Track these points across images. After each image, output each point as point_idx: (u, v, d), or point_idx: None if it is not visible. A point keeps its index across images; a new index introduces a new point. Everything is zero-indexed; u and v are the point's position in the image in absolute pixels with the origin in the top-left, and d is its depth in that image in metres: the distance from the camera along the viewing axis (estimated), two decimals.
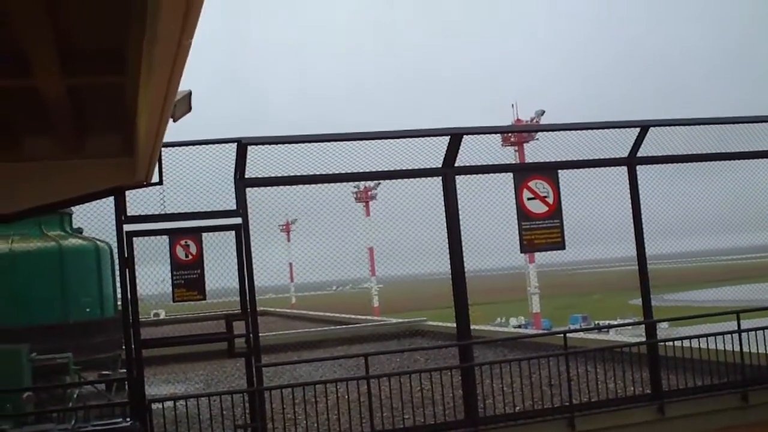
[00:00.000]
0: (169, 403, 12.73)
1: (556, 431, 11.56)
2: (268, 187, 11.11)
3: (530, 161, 13.33)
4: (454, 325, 11.86)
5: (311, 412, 11.22)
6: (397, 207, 12.01)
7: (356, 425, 10.88)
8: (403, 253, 12.46)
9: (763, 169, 13.42)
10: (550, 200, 12.10)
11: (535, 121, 72.83)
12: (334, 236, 12.27)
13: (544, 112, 74.82)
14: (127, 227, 10.46)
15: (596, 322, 66.55)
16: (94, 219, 11.38)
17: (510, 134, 51.19)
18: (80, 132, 8.91)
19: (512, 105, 76.96)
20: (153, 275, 10.77)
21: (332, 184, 11.62)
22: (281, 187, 11.21)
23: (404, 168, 11.60)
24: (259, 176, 10.97)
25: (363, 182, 15.75)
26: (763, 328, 12.72)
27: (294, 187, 11.29)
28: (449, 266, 11.71)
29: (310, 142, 11.25)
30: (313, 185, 11.43)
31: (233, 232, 10.79)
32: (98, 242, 16.69)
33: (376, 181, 13.61)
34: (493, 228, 12.34)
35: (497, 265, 14.98)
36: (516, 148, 50.07)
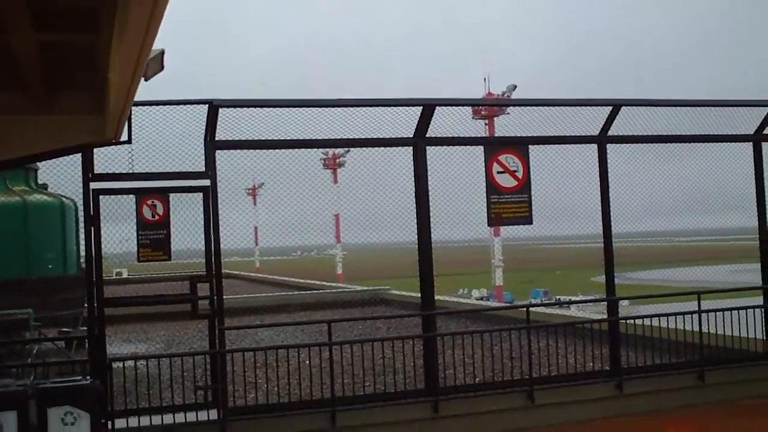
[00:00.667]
0: (130, 363, 12.70)
1: (515, 403, 11.69)
2: (236, 150, 11.05)
3: (500, 135, 13.32)
4: (418, 294, 11.90)
5: (272, 376, 11.24)
6: (365, 175, 11.99)
7: (317, 391, 10.93)
8: (368, 222, 12.44)
9: (730, 153, 13.56)
10: (520, 175, 12.14)
11: (506, 95, 72.94)
12: (301, 202, 12.25)
13: (516, 86, 74.93)
14: (93, 185, 10.37)
15: (557, 297, 67.17)
16: (60, 175, 11.27)
17: (481, 107, 51.37)
18: (50, 88, 8.80)
19: (484, 79, 77.12)
20: (117, 234, 10.68)
21: (301, 150, 11.58)
22: (249, 150, 11.15)
23: (375, 137, 11.56)
24: (229, 139, 10.91)
25: (331, 149, 15.69)
26: (722, 310, 12.91)
27: (262, 151, 11.23)
28: (415, 236, 11.73)
29: (282, 107, 11.18)
30: (282, 150, 11.37)
31: (201, 194, 10.73)
32: (63, 199, 16.52)
33: (345, 149, 13.60)
34: (459, 200, 12.40)
35: (462, 237, 15.07)
36: (486, 121, 50.19)
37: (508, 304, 30.64)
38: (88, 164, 10.34)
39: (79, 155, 10.38)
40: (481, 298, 67.22)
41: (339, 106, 11.38)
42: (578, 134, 12.66)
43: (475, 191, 12.31)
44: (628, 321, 12.93)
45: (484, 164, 12.01)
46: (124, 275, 38.65)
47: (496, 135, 18.11)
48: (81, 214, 10.65)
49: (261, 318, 23.05)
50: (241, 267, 52.56)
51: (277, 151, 11.33)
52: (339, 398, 11.02)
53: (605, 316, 13.02)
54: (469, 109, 15.92)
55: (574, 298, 58.53)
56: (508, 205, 12.12)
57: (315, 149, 12.02)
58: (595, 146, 12.74)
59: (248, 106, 10.90)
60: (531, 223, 12.37)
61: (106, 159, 10.51)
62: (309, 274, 45.74)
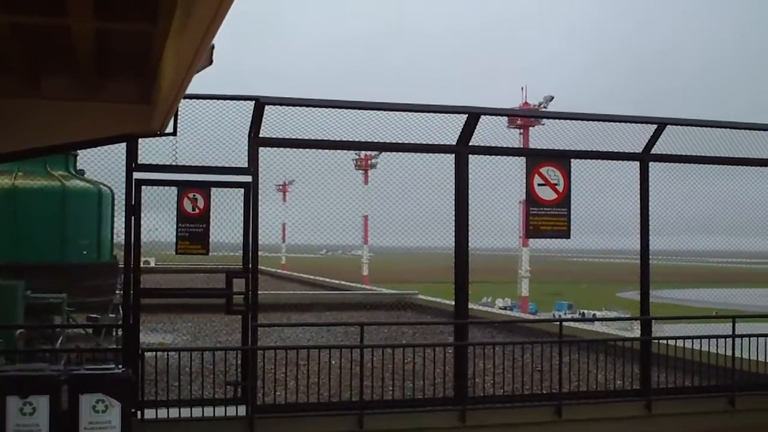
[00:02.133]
0: (157, 354, 12.75)
1: (542, 417, 11.61)
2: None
3: (534, 146, 13.19)
4: (445, 300, 11.88)
5: (300, 375, 11.25)
6: (397, 178, 11.97)
7: (345, 392, 10.91)
8: (397, 225, 12.42)
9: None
10: (560, 188, 12.08)
11: (543, 106, 72.71)
12: (331, 201, 12.26)
13: (552, 97, 74.74)
14: (137, 175, 10.40)
15: (581, 311, 66.98)
16: (98, 162, 11.34)
17: (516, 117, 51.08)
18: (101, 75, 8.85)
19: (521, 88, 76.82)
20: (147, 223, 10.69)
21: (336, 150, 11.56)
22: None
23: (414, 142, 11.54)
24: (272, 136, 10.91)
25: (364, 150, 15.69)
26: (757, 335, 12.76)
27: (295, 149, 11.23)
28: (442, 241, 11.71)
29: (327, 107, 11.17)
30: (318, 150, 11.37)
31: (242, 190, 10.74)
32: (102, 186, 16.63)
33: (377, 151, 13.57)
34: (491, 209, 12.35)
35: (490, 245, 15.00)
36: (521, 131, 49.98)
37: (537, 317, 30.43)
38: (132, 154, 10.37)
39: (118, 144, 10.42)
40: (505, 308, 66.95)
41: (382, 109, 11.35)
42: (618, 150, 12.56)
43: (507, 201, 12.27)
44: (660, 342, 12.82)
45: (525, 175, 11.95)
46: (151, 264, 38.80)
47: (530, 146, 17.97)
48: (117, 201, 10.67)
49: (288, 315, 23.05)
50: (268, 263, 52.65)
51: (310, 150, 11.33)
52: (367, 402, 11.00)
53: (629, 334, 12.90)
54: (504, 118, 15.80)
55: (598, 313, 58.40)
56: (547, 218, 12.06)
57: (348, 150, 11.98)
58: (634, 163, 12.63)
59: (294, 105, 10.89)
60: (568, 237, 12.31)
61: (149, 149, 10.55)
62: (335, 273, 45.81)
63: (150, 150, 10.61)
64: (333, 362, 10.98)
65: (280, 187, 46.31)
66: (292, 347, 11.93)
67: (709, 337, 12.67)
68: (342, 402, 10.91)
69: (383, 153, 12.30)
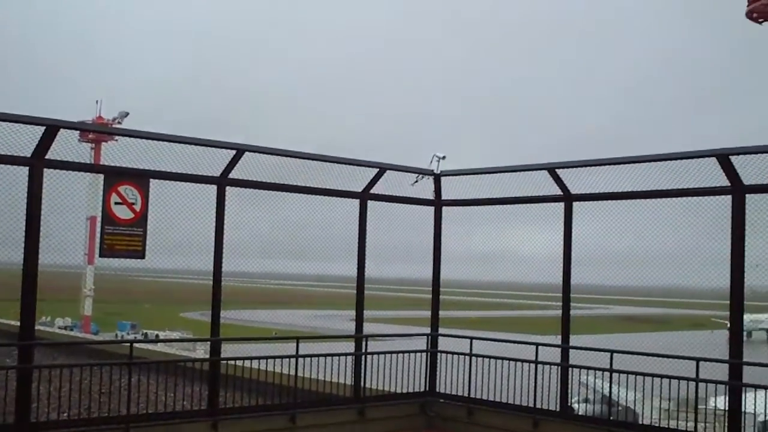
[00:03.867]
0: None
1: None
2: None
3: (109, 164, 12.74)
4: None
5: None
6: None
7: None
8: None
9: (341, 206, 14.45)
10: (138, 207, 11.94)
11: (117, 122, 71.13)
12: None
13: (128, 113, 73.18)
14: None
15: (144, 331, 66.35)
16: None
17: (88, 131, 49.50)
18: None
19: (96, 101, 74.22)
20: None
21: None
22: None
23: None
24: None
25: None
26: (317, 355, 13.55)
27: None
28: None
29: None
30: None
31: None
32: None
33: None
34: (57, 224, 11.85)
35: (53, 262, 14.39)
36: (93, 145, 48.50)
37: (101, 338, 29.61)
38: None
39: None
40: (65, 327, 64.28)
41: None
42: (199, 173, 12.69)
43: (72, 216, 11.91)
44: (229, 362, 13.12)
45: (102, 193, 11.67)
46: None
47: (102, 162, 17.48)
48: None
49: None
50: None
51: None
52: None
53: (193, 354, 13.11)
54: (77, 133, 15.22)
55: (161, 334, 58.25)
56: (123, 237, 11.86)
57: None
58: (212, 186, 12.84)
59: None
60: (143, 257, 12.21)
61: None
62: None
63: None
64: None
65: None
66: None
67: (274, 357, 13.24)
68: None
69: None
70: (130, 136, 11.81)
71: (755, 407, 12.23)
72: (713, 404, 12.92)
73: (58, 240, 12.24)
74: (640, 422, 15.38)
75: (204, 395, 12.76)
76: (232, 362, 13.13)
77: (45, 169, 11.13)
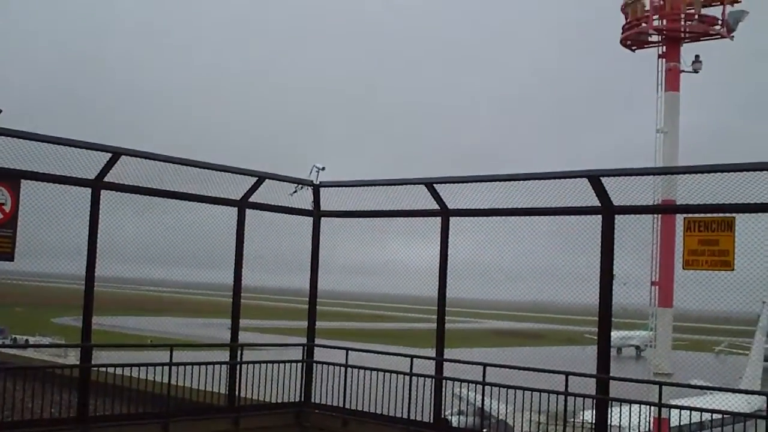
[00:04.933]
0: None
1: None
2: None
3: None
4: None
5: None
6: None
7: None
8: None
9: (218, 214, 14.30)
10: (8, 208, 11.60)
11: None
12: None
13: (1, 110, 70.79)
14: None
15: (14, 336, 64.25)
16: None
17: None
18: None
19: None
20: None
21: None
22: None
23: None
24: None
25: None
26: (192, 364, 13.40)
27: None
28: None
29: None
30: None
31: None
32: None
33: None
34: None
35: None
36: None
37: None
38: None
39: None
40: None
41: None
42: (74, 176, 12.43)
43: None
44: (100, 368, 12.85)
45: None
46: None
47: None
48: None
49: None
50: None
51: None
52: None
53: (63, 360, 12.83)
54: None
55: (32, 339, 56.43)
56: None
57: None
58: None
59: None
60: (12, 259, 11.87)
61: None
62: None
63: None
64: None
65: None
66: None
67: (147, 365, 13.04)
68: None
69: None
70: (2, 134, 11.43)
71: (620, 421, 12.66)
72: (582, 418, 13.30)
73: None
74: None
75: (74, 403, 12.47)
76: (103, 369, 12.85)
77: None
